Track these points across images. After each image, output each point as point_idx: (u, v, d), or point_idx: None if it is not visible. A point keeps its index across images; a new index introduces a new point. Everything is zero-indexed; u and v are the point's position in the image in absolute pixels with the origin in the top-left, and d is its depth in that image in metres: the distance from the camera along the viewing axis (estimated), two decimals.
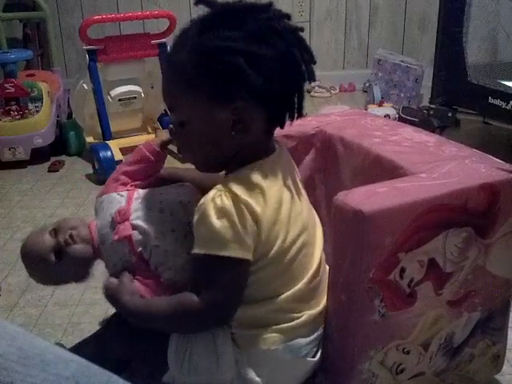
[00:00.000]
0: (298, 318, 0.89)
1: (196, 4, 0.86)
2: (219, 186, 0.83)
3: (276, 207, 0.84)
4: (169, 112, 0.93)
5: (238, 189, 0.82)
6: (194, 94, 0.83)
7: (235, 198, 0.81)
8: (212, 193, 0.82)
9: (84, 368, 0.54)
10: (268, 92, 0.82)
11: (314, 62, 0.87)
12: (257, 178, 0.84)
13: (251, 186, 0.83)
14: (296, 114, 0.88)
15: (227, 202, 0.81)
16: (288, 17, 0.86)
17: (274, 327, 0.87)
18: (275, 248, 0.85)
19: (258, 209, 0.82)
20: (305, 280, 0.89)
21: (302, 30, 0.87)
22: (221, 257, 0.81)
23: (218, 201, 0.81)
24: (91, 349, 1.03)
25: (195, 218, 0.83)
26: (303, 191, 0.95)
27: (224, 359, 0.88)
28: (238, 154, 0.87)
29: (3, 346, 0.50)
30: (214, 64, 0.81)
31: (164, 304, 0.88)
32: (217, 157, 0.87)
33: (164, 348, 0.91)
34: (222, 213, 0.80)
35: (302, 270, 0.89)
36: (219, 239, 0.81)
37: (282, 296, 0.87)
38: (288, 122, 0.89)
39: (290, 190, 0.88)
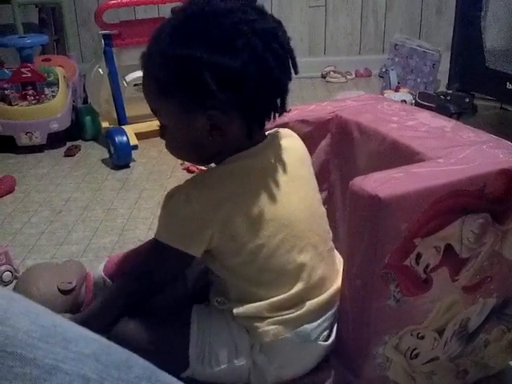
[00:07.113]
0: (300, 308, 0.89)
1: None
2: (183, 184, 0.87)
3: (237, 202, 0.85)
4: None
5: (193, 186, 0.86)
6: (168, 101, 0.84)
7: (188, 196, 0.84)
8: (174, 187, 0.87)
9: (104, 346, 0.55)
10: (239, 101, 0.81)
11: (293, 58, 0.85)
12: (220, 173, 0.87)
13: (207, 182, 0.86)
14: (278, 113, 0.87)
15: (179, 199, 0.85)
16: (262, 13, 0.83)
17: (276, 319, 0.88)
18: (245, 245, 0.86)
19: (211, 205, 0.84)
20: (302, 279, 0.89)
21: (279, 24, 0.84)
22: (166, 245, 0.87)
23: (175, 194, 0.86)
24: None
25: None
26: (303, 181, 0.93)
27: (241, 347, 0.90)
28: (220, 152, 0.88)
29: (27, 323, 0.51)
30: (182, 73, 0.81)
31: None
32: (199, 156, 0.90)
33: (181, 345, 0.90)
34: (172, 205, 0.86)
35: (293, 268, 0.89)
36: (168, 229, 0.87)
37: (279, 297, 0.88)
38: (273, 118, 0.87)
39: (263, 183, 0.87)
